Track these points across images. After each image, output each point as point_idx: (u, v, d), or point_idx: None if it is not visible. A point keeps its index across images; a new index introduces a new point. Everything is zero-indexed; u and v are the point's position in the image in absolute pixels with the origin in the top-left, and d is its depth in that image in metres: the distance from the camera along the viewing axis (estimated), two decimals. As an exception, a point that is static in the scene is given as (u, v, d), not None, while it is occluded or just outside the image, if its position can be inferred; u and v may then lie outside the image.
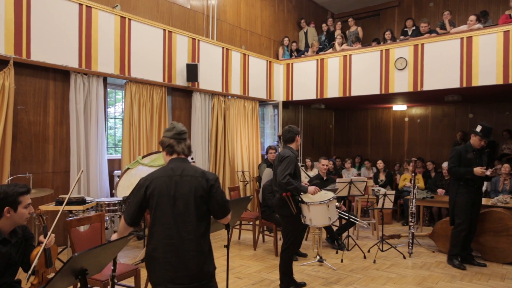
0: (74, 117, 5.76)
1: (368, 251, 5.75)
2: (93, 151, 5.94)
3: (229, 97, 8.33)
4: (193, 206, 2.35)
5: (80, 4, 5.76)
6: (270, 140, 9.92)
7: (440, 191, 7.34)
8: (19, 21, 5.15)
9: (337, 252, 5.74)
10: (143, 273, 4.03)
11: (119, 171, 6.38)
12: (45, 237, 2.62)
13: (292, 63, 9.60)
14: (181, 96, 7.57)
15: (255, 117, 9.00)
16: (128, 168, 5.67)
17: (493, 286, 4.43)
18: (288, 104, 10.14)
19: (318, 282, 4.53)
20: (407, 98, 9.06)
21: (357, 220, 5.82)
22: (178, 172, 2.39)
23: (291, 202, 4.06)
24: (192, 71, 7.17)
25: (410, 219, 5.62)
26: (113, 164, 6.51)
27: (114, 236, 2.54)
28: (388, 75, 8.10)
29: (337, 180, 5.99)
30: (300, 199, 4.26)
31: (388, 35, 8.64)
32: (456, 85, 7.30)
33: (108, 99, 6.80)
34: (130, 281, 3.65)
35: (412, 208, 5.60)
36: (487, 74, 6.96)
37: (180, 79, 7.23)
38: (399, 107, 10.64)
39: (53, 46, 5.48)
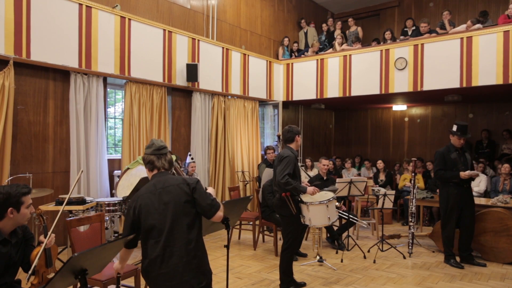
0: (74, 117, 5.76)
1: (368, 251, 5.75)
2: (93, 151, 5.94)
3: (229, 97, 8.33)
4: (181, 213, 2.40)
5: (80, 4, 5.76)
6: (270, 140, 9.92)
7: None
8: (19, 21, 5.15)
9: (337, 252, 5.74)
10: (143, 273, 4.04)
11: (119, 171, 6.38)
12: (45, 237, 2.62)
13: (292, 63, 9.60)
14: (181, 96, 7.57)
15: (255, 117, 9.00)
16: (128, 168, 5.67)
17: (493, 286, 4.43)
18: (288, 104, 10.15)
19: (318, 282, 4.53)
20: (407, 98, 9.06)
21: (356, 220, 5.82)
22: (160, 185, 2.47)
23: (290, 202, 4.06)
24: (192, 71, 7.17)
25: (410, 219, 5.62)
26: (113, 164, 6.51)
27: (116, 263, 2.63)
28: (388, 75, 8.10)
29: (337, 180, 5.99)
30: (299, 199, 4.26)
31: (388, 35, 8.64)
32: (456, 85, 7.30)
33: (108, 99, 6.80)
34: (130, 281, 3.65)
35: (412, 208, 5.60)
36: (487, 74, 6.96)
37: (180, 79, 7.23)
38: (399, 107, 10.64)
39: (53, 46, 5.48)
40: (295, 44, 10.14)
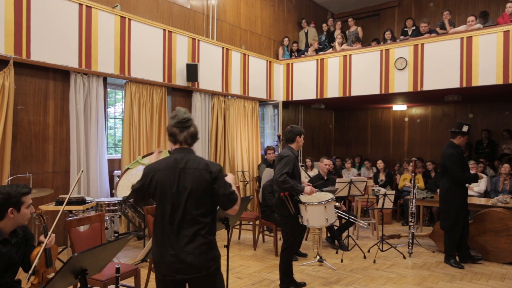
0: (74, 117, 5.76)
1: (368, 251, 5.75)
2: (93, 151, 5.94)
3: (229, 97, 8.33)
4: (195, 200, 2.31)
5: (80, 4, 5.76)
6: (270, 140, 9.92)
7: (440, 191, 7.34)
8: (19, 21, 5.15)
9: (337, 252, 5.74)
10: (143, 273, 4.04)
11: (119, 171, 6.38)
12: (45, 237, 2.62)
13: (292, 63, 9.60)
14: (181, 96, 7.57)
15: (255, 117, 9.00)
16: (128, 168, 5.67)
17: (493, 286, 4.43)
18: (288, 104, 10.14)
19: (318, 282, 4.53)
20: (407, 98, 9.06)
21: (356, 220, 5.82)
22: (181, 164, 2.33)
23: (289, 202, 4.06)
24: (192, 71, 7.17)
25: (410, 219, 5.62)
26: (113, 164, 6.51)
27: None
28: (388, 75, 8.10)
29: (337, 180, 5.99)
30: (298, 199, 4.26)
31: (388, 35, 8.64)
32: (456, 85, 7.30)
33: (108, 99, 6.80)
34: (130, 281, 3.65)
35: (412, 208, 5.60)
36: (487, 74, 6.96)
37: (180, 79, 7.23)
38: (399, 107, 10.64)
39: (53, 46, 5.48)
40: (295, 44, 10.14)
